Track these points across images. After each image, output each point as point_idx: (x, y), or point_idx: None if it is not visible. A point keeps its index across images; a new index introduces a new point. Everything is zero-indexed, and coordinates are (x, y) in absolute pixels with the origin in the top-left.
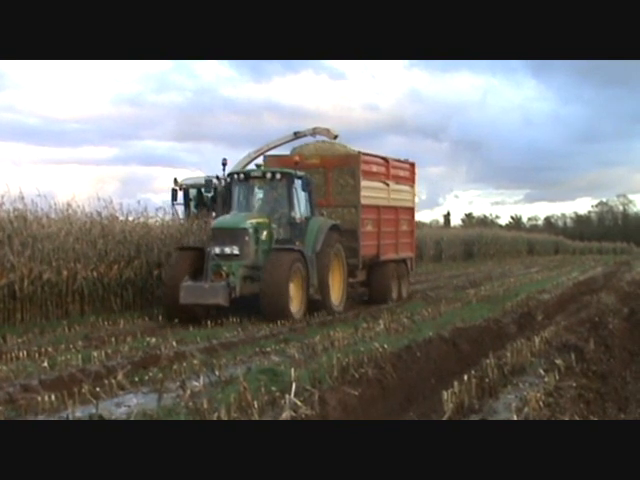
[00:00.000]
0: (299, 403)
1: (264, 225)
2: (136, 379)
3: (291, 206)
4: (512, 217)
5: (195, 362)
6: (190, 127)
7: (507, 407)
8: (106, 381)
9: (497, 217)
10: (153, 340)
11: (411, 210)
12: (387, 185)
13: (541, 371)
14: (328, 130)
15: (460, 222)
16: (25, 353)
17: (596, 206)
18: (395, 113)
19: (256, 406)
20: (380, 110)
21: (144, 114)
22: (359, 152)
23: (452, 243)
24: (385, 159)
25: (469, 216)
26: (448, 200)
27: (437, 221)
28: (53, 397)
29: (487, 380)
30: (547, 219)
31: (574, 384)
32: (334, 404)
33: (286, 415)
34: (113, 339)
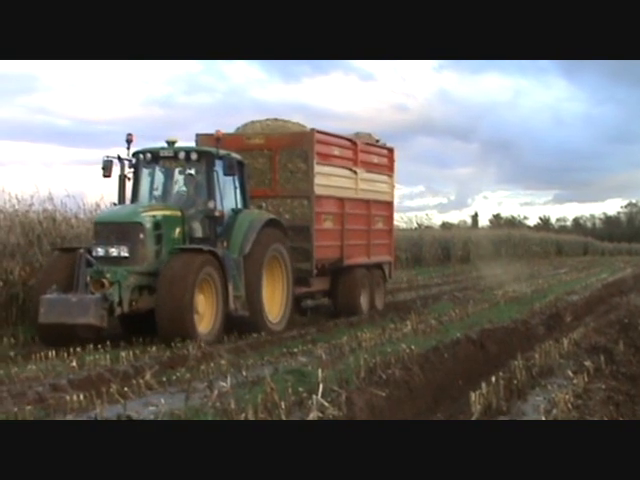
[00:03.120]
0: (326, 404)
1: (173, 219)
2: (164, 379)
3: (210, 195)
4: (541, 218)
5: (222, 362)
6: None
7: (535, 409)
8: (134, 381)
9: (525, 218)
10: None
11: (389, 205)
12: (354, 173)
13: (570, 373)
14: (370, 135)
15: (488, 223)
16: (54, 353)
17: (625, 207)
18: (425, 114)
19: (283, 407)
20: (410, 111)
21: (174, 115)
22: (312, 129)
23: (480, 244)
24: (352, 141)
25: (497, 217)
26: (477, 201)
27: (464, 222)
28: (82, 396)
29: (515, 382)
30: (576, 220)
31: (603, 386)
32: (361, 405)
33: (313, 416)
34: (141, 339)
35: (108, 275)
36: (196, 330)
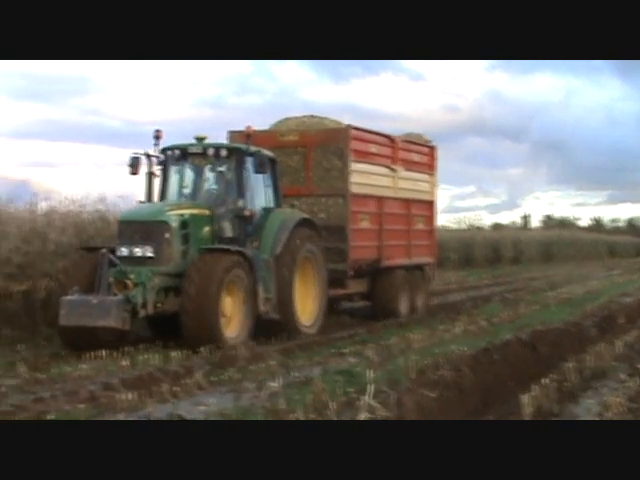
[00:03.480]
0: (376, 405)
1: (201, 218)
2: (214, 379)
3: (240, 193)
4: (593, 219)
5: (272, 363)
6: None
7: (588, 412)
8: (184, 381)
9: (577, 219)
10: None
11: (430, 204)
12: (393, 171)
13: (623, 376)
14: (420, 135)
15: (539, 224)
16: (106, 352)
17: None
18: (475, 114)
19: (332, 407)
20: (460, 111)
21: (224, 116)
22: (348, 126)
23: (531, 245)
24: (390, 138)
25: (549, 218)
26: (528, 202)
27: (515, 222)
28: (133, 396)
29: (567, 384)
30: (630, 221)
31: None
32: (411, 406)
33: (363, 417)
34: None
35: (132, 276)
36: (222, 334)
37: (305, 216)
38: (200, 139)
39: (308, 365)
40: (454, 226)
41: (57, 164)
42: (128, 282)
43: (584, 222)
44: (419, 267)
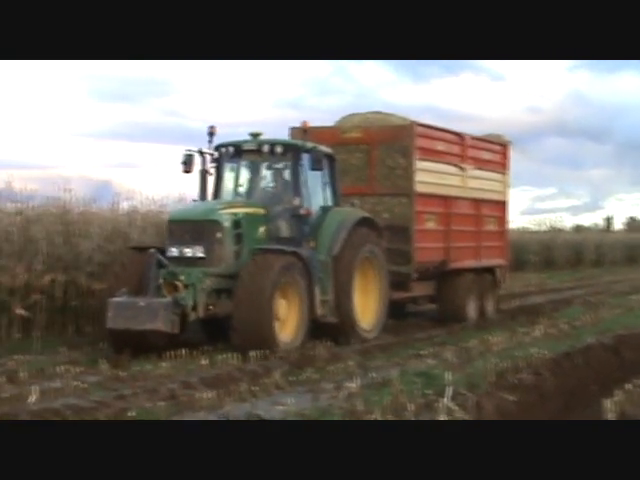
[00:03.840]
0: (454, 407)
1: (255, 218)
2: (292, 379)
3: (295, 191)
4: None
5: (350, 363)
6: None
7: None
8: (263, 380)
9: None
10: None
11: (502, 204)
12: (462, 170)
13: None
14: (499, 136)
15: (622, 226)
16: (186, 351)
17: None
18: (557, 115)
19: (410, 409)
20: (542, 112)
21: (305, 117)
22: (412, 122)
23: (614, 247)
24: (459, 135)
25: (633, 219)
26: (610, 203)
27: (597, 224)
28: (212, 394)
29: None
30: None
31: None
32: (490, 409)
33: (441, 419)
34: None
35: (182, 277)
36: (276, 338)
37: (365, 215)
38: (255, 135)
39: (386, 366)
40: (534, 228)
41: (139, 165)
42: (178, 284)
43: None
44: (489, 270)
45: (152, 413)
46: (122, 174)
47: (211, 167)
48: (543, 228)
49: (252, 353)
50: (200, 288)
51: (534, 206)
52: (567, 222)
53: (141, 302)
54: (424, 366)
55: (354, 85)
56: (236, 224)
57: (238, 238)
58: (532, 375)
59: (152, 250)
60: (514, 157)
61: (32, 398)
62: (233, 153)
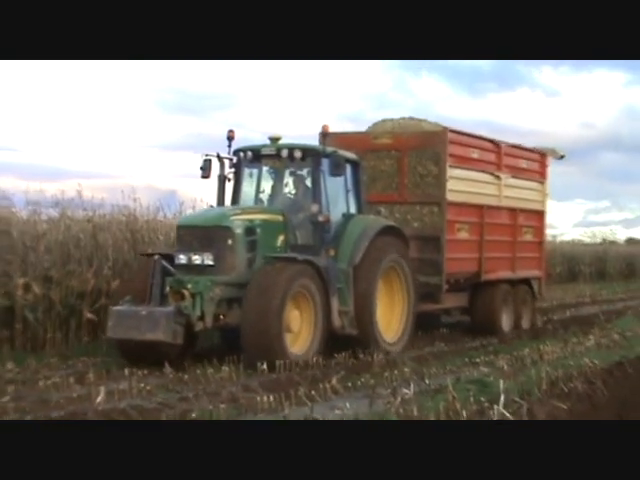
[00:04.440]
0: (507, 414)
1: (272, 224)
2: (349, 384)
3: (314, 197)
4: None
5: (406, 370)
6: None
7: None
8: (321, 385)
9: None
10: None
11: (540, 214)
12: (498, 178)
13: None
14: (554, 149)
15: None
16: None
17: None
18: (611, 130)
19: (464, 415)
20: (596, 127)
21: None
22: (445, 128)
23: None
24: (495, 142)
25: None
26: None
27: None
28: (271, 398)
29: None
30: None
31: None
32: (542, 417)
33: None
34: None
35: (189, 285)
36: (286, 351)
37: (390, 223)
38: (274, 140)
39: (441, 373)
40: (588, 240)
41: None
42: (184, 292)
43: None
44: (526, 281)
45: (214, 415)
46: (187, 184)
47: (230, 172)
48: (596, 240)
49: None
50: (208, 297)
51: (587, 218)
52: (620, 235)
53: (143, 311)
54: (478, 374)
55: (412, 99)
56: (249, 231)
57: (252, 245)
58: (584, 384)
59: (157, 257)
60: (568, 171)
61: (99, 398)
62: (252, 158)
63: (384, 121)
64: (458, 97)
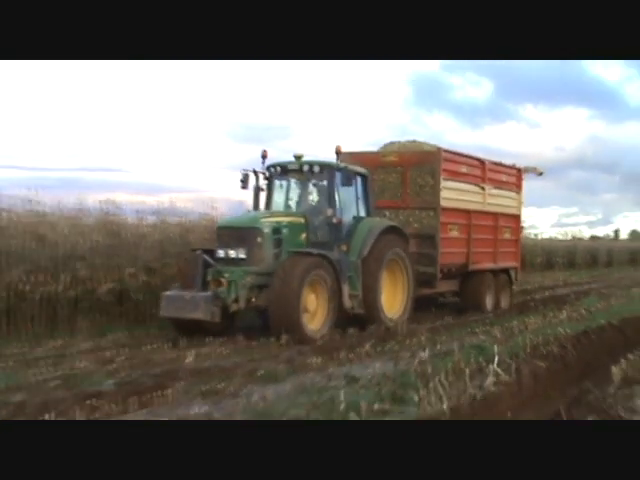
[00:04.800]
0: (500, 371)
1: (295, 225)
2: (379, 349)
3: (329, 203)
4: None
5: (422, 338)
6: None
7: None
8: (357, 350)
9: None
10: None
11: (516, 218)
12: (482, 189)
13: None
14: (535, 168)
15: (627, 236)
16: None
17: None
18: (578, 153)
19: (467, 372)
20: (566, 151)
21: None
22: (439, 149)
23: (620, 253)
24: (480, 160)
25: (634, 231)
26: (618, 219)
27: (608, 235)
28: (319, 359)
29: None
30: None
31: None
32: (527, 373)
33: (490, 380)
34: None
35: (226, 275)
36: (303, 327)
37: (392, 224)
38: (298, 157)
39: (449, 340)
40: (561, 237)
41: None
42: (222, 280)
43: None
44: (505, 270)
45: (275, 372)
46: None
47: (263, 184)
48: (568, 237)
49: (351, 330)
50: (241, 284)
51: (561, 221)
52: (585, 233)
53: (186, 295)
54: (477, 340)
55: (426, 130)
56: (276, 231)
57: (278, 242)
58: (558, 347)
59: (198, 252)
60: (546, 185)
61: (188, 359)
62: (280, 172)
63: (392, 143)
64: (462, 129)
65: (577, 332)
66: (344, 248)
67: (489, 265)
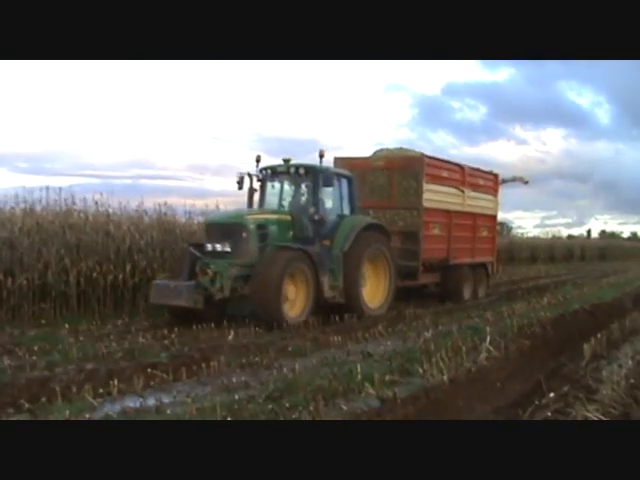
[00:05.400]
0: (491, 348)
1: (281, 222)
2: (390, 329)
3: (313, 202)
4: (631, 233)
5: (426, 321)
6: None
7: (625, 355)
8: (371, 330)
9: (621, 232)
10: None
11: (492, 218)
12: (462, 191)
13: None
14: (522, 177)
15: (597, 235)
16: (322, 312)
17: None
18: (557, 165)
19: (464, 349)
20: (547, 163)
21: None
22: (422, 154)
23: (592, 249)
24: (460, 166)
25: (603, 232)
26: (590, 221)
27: (582, 234)
28: (340, 338)
29: (612, 337)
30: None
31: None
32: (513, 350)
33: (483, 356)
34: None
35: (212, 266)
36: (282, 314)
37: (373, 221)
38: (286, 161)
39: (449, 322)
40: (543, 236)
41: None
42: (209, 271)
43: (626, 235)
44: (482, 265)
45: (302, 348)
46: None
47: (257, 186)
48: (548, 236)
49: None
50: (226, 275)
51: (543, 222)
52: (563, 233)
53: (172, 284)
54: (473, 323)
55: (431, 145)
56: (261, 226)
57: (263, 237)
58: (540, 328)
59: (186, 245)
60: (531, 191)
61: (229, 337)
62: (271, 174)
63: (382, 149)
64: (460, 144)
65: (555, 315)
66: (327, 243)
67: (467, 260)
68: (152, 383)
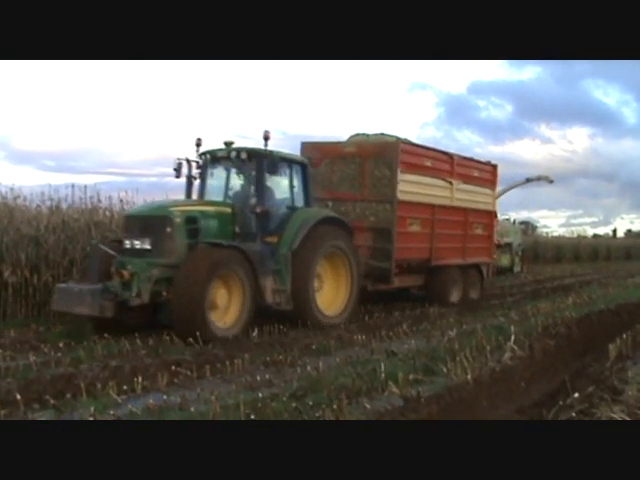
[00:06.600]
0: (516, 348)
1: (217, 215)
2: (414, 328)
3: (255, 192)
4: None
5: (450, 320)
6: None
7: None
8: (396, 329)
9: None
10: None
11: (489, 214)
12: (450, 183)
13: None
14: (547, 176)
15: (623, 235)
16: (351, 312)
17: None
18: (583, 164)
19: (488, 349)
20: (573, 162)
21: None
22: (398, 140)
23: (617, 249)
24: (449, 155)
25: (629, 231)
26: (616, 220)
27: (607, 234)
28: (364, 336)
29: (638, 338)
30: None
31: None
32: (538, 349)
33: (507, 355)
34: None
35: (129, 266)
36: (208, 324)
37: (331, 214)
38: (228, 144)
39: (473, 322)
40: (569, 235)
41: None
42: (124, 272)
43: None
44: (476, 266)
45: (326, 346)
46: None
47: (196, 173)
48: (574, 236)
49: (397, 312)
50: (144, 277)
51: (569, 221)
52: (589, 232)
53: (75, 288)
54: (497, 322)
55: (457, 144)
56: (190, 220)
57: (193, 233)
58: (565, 328)
59: (94, 242)
60: (556, 190)
61: (253, 334)
62: (211, 160)
63: (357, 134)
64: (486, 143)
65: (580, 315)
66: (273, 240)
67: (456, 261)
68: (176, 380)
